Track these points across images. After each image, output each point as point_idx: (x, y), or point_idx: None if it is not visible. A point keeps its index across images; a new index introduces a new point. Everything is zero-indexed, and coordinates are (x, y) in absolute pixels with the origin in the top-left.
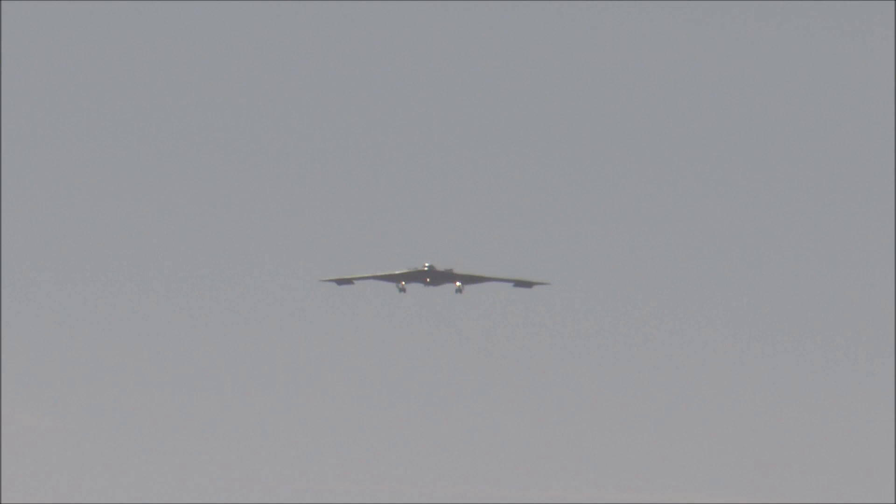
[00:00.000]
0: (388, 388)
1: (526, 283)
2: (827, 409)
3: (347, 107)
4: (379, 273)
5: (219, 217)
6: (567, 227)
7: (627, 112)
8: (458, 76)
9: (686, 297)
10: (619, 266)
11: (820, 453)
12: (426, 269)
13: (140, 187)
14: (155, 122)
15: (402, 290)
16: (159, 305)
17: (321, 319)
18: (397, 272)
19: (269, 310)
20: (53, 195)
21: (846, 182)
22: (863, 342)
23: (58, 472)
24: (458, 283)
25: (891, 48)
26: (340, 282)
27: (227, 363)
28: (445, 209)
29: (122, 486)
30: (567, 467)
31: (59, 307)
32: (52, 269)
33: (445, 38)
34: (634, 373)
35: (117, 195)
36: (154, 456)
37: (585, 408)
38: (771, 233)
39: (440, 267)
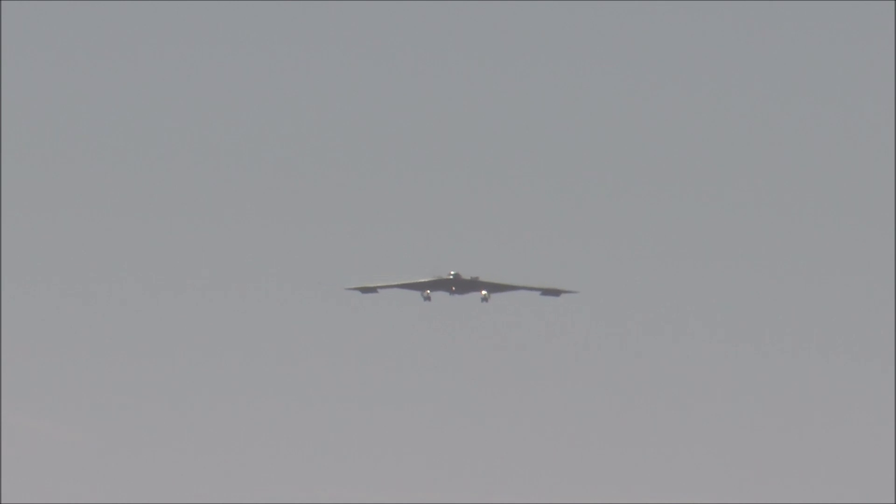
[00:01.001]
0: (412, 396)
1: (554, 291)
2: (828, 409)
3: (373, 112)
4: (404, 281)
5: (240, 224)
6: (596, 235)
7: (659, 120)
8: (487, 80)
9: (718, 306)
10: (649, 274)
11: (819, 454)
12: (451, 277)
13: (159, 191)
14: (167, 124)
15: (427, 298)
16: (179, 314)
17: (345, 327)
18: (422, 280)
19: (293, 318)
20: (55, 198)
21: (851, 184)
22: (864, 344)
23: (59, 477)
24: (483, 292)
25: (891, 48)
26: (365, 290)
27: (249, 371)
28: (472, 217)
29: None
30: (599, 476)
31: (61, 312)
32: (54, 273)
33: (470, 42)
34: (663, 382)
35: (131, 197)
36: (171, 465)
37: (614, 417)
38: (808, 244)
39: (466, 275)
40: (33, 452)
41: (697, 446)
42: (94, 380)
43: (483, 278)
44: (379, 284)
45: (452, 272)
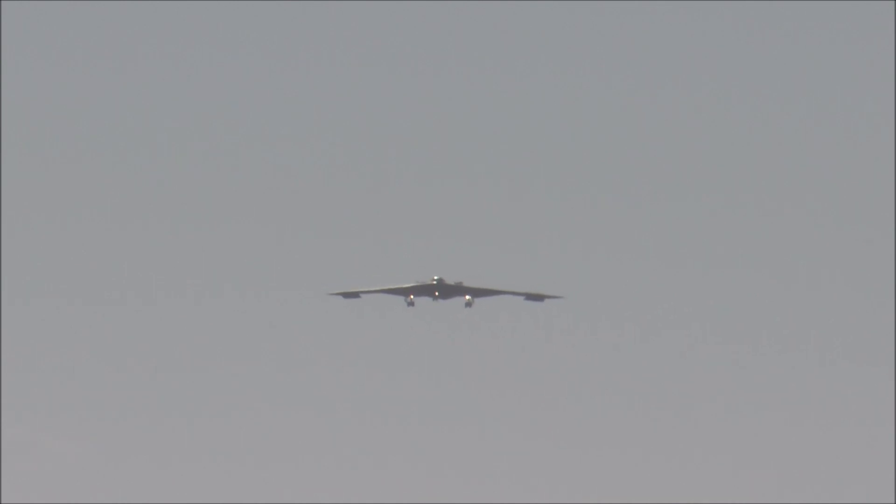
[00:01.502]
0: (395, 403)
1: (538, 296)
2: (828, 410)
3: (355, 115)
4: (387, 286)
5: (220, 228)
6: (581, 240)
7: (645, 124)
8: (470, 84)
9: (704, 311)
10: (635, 279)
11: (820, 454)
12: (435, 282)
13: (142, 196)
14: (157, 130)
15: (411, 303)
16: (160, 318)
17: (327, 333)
18: (405, 286)
19: (274, 323)
20: (57, 201)
21: (851, 184)
22: (864, 345)
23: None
24: (467, 297)
25: (891, 48)
26: (347, 295)
27: (231, 377)
28: (455, 221)
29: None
30: (582, 482)
31: (60, 317)
32: (53, 278)
33: (458, 43)
34: (650, 387)
35: (122, 204)
36: (160, 473)
37: (599, 421)
38: (795, 247)
39: (449, 280)
40: (30, 462)
41: (689, 449)
42: (72, 388)
43: (467, 283)
44: (362, 290)
45: (436, 277)
